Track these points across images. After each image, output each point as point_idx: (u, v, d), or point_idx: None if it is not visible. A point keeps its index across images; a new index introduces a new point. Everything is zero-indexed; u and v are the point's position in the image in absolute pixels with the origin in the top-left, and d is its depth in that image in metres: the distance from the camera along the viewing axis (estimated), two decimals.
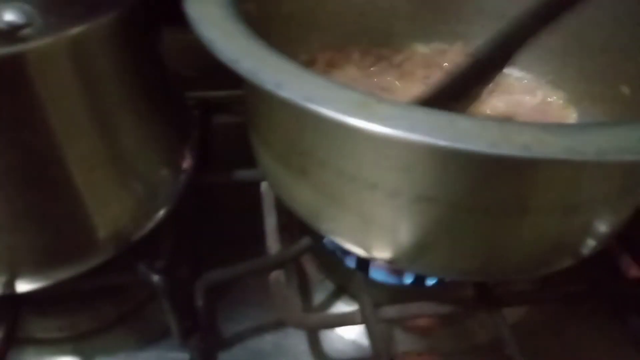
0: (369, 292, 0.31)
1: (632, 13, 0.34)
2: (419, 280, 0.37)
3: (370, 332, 0.29)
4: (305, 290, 0.40)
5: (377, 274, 0.37)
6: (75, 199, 0.28)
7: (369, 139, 0.23)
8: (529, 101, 0.39)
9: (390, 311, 0.30)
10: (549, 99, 0.39)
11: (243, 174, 0.38)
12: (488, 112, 0.38)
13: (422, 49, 0.43)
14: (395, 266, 0.33)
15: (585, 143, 0.18)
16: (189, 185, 0.34)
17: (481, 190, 0.23)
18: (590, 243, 0.28)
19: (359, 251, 0.29)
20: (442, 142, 0.18)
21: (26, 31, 0.23)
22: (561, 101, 0.39)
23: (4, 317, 0.29)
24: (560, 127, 0.20)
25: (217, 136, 0.48)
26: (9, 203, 0.27)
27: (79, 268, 0.30)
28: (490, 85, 0.35)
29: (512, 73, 0.41)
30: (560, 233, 0.26)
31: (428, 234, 0.25)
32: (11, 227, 0.27)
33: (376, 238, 0.27)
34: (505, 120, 0.20)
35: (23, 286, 0.29)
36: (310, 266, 0.41)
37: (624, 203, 0.27)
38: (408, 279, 0.37)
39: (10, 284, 0.28)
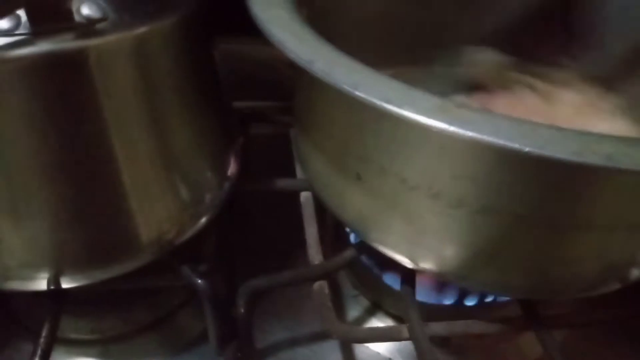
0: (415, 306, 0.30)
1: None
2: (460, 300, 0.36)
3: (419, 349, 0.28)
4: (338, 306, 0.40)
5: (419, 294, 0.36)
6: (124, 198, 0.28)
7: (437, 145, 0.23)
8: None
9: (437, 328, 0.29)
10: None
11: (284, 183, 0.38)
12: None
13: None
14: (441, 279, 0.33)
15: None
16: (232, 192, 0.34)
17: (547, 202, 0.23)
18: None
19: (406, 261, 0.29)
20: (528, 148, 0.18)
21: (100, 26, 0.23)
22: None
23: (48, 313, 0.29)
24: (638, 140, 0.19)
25: (253, 146, 0.48)
26: (59, 198, 0.27)
27: (123, 268, 0.30)
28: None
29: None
30: (622, 252, 0.25)
31: (485, 247, 0.25)
32: (59, 223, 0.27)
33: (428, 249, 0.27)
34: (583, 130, 0.20)
35: (68, 283, 0.29)
36: (344, 281, 0.41)
37: None
38: (448, 299, 0.37)
39: (55, 280, 0.28)
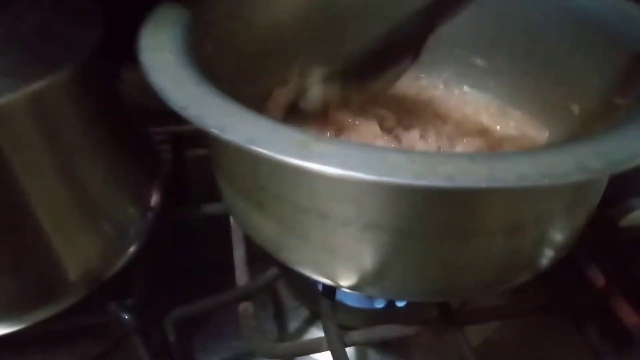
0: (336, 318, 0.31)
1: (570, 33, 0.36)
2: (390, 303, 0.38)
3: (337, 359, 0.29)
4: (280, 318, 0.41)
5: (348, 299, 0.38)
6: (44, 243, 0.29)
7: (315, 174, 0.24)
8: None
9: (356, 336, 0.31)
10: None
11: (212, 208, 0.39)
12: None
13: None
14: (359, 292, 0.34)
15: (506, 170, 0.19)
16: (158, 221, 0.35)
17: (421, 217, 0.24)
18: (544, 257, 0.29)
19: (325, 280, 0.30)
20: (371, 177, 0.19)
21: None
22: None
23: None
24: (485, 155, 0.21)
25: (190, 169, 0.49)
26: None
27: (52, 310, 0.31)
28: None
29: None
30: (510, 251, 0.27)
31: (382, 260, 0.27)
32: None
33: (336, 266, 0.28)
34: (435, 152, 0.22)
35: None
36: (285, 294, 0.42)
37: (572, 216, 0.28)
38: (379, 303, 0.38)
39: None
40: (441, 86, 0.46)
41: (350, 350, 0.31)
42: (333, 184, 0.24)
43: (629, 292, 0.40)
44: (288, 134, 0.21)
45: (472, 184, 0.19)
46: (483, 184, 0.19)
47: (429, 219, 0.24)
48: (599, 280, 0.41)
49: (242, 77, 0.32)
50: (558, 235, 0.28)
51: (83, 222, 0.31)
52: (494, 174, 0.19)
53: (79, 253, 0.31)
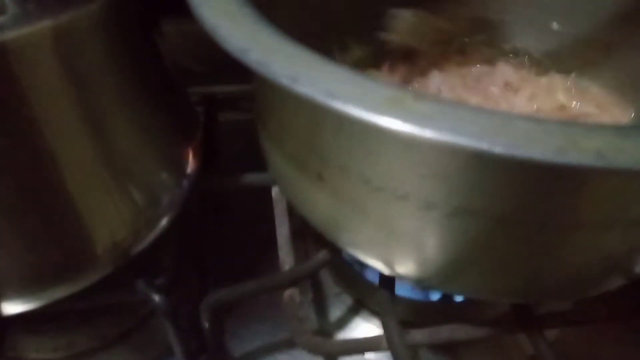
0: (396, 313, 0.27)
1: None
2: (446, 295, 0.34)
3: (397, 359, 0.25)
4: (320, 305, 0.37)
5: (402, 289, 0.33)
6: (68, 208, 0.25)
7: (401, 143, 0.19)
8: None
9: (419, 336, 0.26)
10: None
11: (253, 178, 0.34)
12: None
13: None
14: (422, 285, 0.30)
15: None
16: (193, 191, 0.31)
17: (531, 202, 0.19)
18: None
19: (381, 267, 0.26)
20: (498, 149, 0.14)
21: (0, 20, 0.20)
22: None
23: None
24: (635, 130, 0.16)
25: (224, 135, 0.44)
26: None
27: (73, 287, 0.27)
28: None
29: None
30: (615, 250, 0.22)
31: (464, 251, 0.22)
32: None
33: (403, 254, 0.24)
34: (569, 121, 0.17)
35: (11, 308, 0.26)
36: (326, 278, 0.38)
37: None
38: (435, 295, 0.34)
39: None
40: (511, 55, 0.41)
41: None
42: (420, 157, 0.19)
43: None
44: (377, 89, 0.17)
45: (629, 164, 0.14)
46: None
47: (536, 205, 0.19)
48: None
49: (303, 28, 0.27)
50: None
51: (112, 187, 0.27)
52: None
53: (106, 223, 0.27)
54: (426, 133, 0.15)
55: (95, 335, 0.33)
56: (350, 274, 0.36)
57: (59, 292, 0.27)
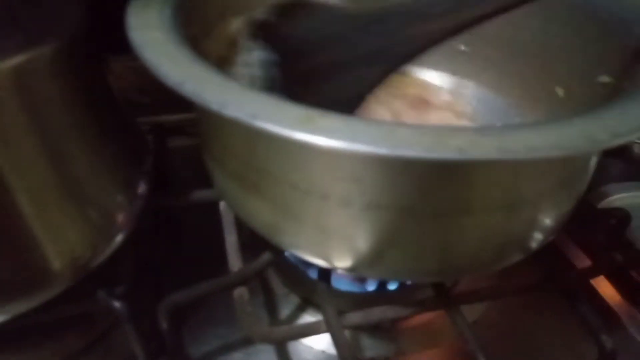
0: (332, 301, 0.31)
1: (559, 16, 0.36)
2: (381, 285, 0.38)
3: (336, 340, 0.29)
4: (271, 305, 0.40)
5: (340, 283, 0.37)
6: (27, 230, 0.28)
7: (317, 152, 0.24)
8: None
9: (354, 317, 0.31)
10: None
11: (201, 195, 0.38)
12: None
13: None
14: (355, 274, 0.34)
15: (515, 142, 0.19)
16: (146, 209, 0.34)
17: (424, 194, 0.24)
18: (537, 237, 0.29)
19: (320, 262, 0.30)
20: (382, 151, 0.19)
21: None
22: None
23: None
24: (493, 129, 0.21)
25: (174, 159, 0.48)
26: None
27: (36, 300, 0.30)
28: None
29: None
30: (506, 230, 0.27)
31: (382, 240, 0.26)
32: None
33: (334, 248, 0.28)
34: (442, 126, 0.22)
35: None
36: (274, 281, 0.42)
37: (565, 197, 0.29)
38: (371, 286, 0.38)
39: None
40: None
41: None
42: (335, 162, 0.24)
43: (610, 274, 0.41)
44: (292, 109, 0.21)
45: (482, 155, 0.19)
46: (493, 155, 0.19)
47: (431, 196, 0.24)
48: (583, 261, 0.42)
49: (230, 59, 0.31)
50: (551, 216, 0.28)
51: (68, 208, 0.30)
52: (504, 146, 0.19)
53: (63, 240, 0.30)
54: (331, 143, 0.19)
55: (61, 348, 0.35)
56: (296, 274, 0.40)
57: (21, 306, 0.29)
